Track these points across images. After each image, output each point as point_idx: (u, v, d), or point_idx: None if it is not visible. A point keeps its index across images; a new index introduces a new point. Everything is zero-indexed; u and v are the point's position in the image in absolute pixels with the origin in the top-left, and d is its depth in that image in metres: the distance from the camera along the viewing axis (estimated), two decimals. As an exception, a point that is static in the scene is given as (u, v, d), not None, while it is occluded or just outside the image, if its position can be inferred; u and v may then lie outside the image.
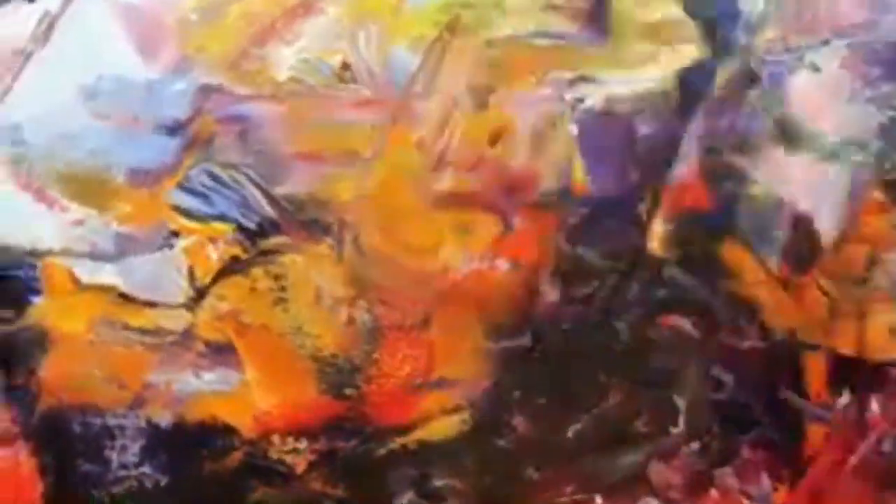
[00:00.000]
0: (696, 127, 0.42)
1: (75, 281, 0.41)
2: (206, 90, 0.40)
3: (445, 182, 0.41)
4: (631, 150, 0.41)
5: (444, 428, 0.41)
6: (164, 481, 0.39)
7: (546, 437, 0.41)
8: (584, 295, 0.42)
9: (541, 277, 0.42)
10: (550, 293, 0.42)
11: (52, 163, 0.40)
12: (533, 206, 0.42)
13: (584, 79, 0.41)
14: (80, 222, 0.40)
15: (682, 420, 0.41)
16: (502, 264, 0.41)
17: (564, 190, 0.41)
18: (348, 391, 0.41)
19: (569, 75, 0.41)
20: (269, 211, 0.41)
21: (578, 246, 0.42)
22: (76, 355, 0.40)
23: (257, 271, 0.41)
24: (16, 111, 0.40)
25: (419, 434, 0.41)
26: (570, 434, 0.41)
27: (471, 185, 0.42)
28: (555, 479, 0.41)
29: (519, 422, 0.41)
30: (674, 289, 0.42)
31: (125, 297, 0.41)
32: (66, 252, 0.41)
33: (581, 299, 0.42)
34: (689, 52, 0.42)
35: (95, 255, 0.41)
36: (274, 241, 0.41)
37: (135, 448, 0.39)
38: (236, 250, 0.41)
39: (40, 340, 0.40)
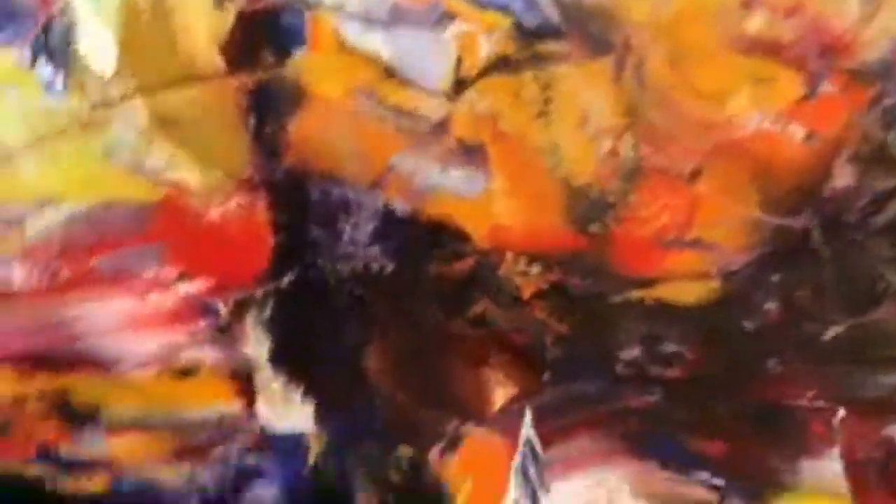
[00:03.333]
0: None
1: (341, 41, 0.49)
2: None
3: (754, 24, 0.47)
4: None
5: (687, 292, 0.48)
6: (389, 268, 0.48)
7: (799, 332, 0.48)
8: (882, 188, 0.47)
9: (838, 156, 0.47)
10: (844, 177, 0.47)
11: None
12: (848, 74, 0.47)
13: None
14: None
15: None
16: (797, 131, 0.47)
17: (889, 65, 0.45)
18: (594, 227, 0.48)
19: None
20: (553, 13, 0.48)
21: (890, 131, 0.46)
22: (328, 120, 0.49)
23: (526, 76, 0.49)
24: None
25: (659, 292, 0.48)
26: (827, 336, 0.47)
27: (783, 34, 0.47)
28: (797, 378, 0.48)
29: (772, 308, 0.48)
30: None
31: (388, 71, 0.49)
32: (337, 7, 0.49)
33: (877, 192, 0.47)
34: None
35: (367, 20, 0.49)
36: (551, 46, 0.49)
37: (368, 228, 0.49)
38: (509, 49, 0.49)
39: (296, 96, 0.50)
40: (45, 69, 0.54)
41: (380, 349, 0.53)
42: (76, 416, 0.51)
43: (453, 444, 0.52)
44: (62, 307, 0.52)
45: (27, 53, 0.54)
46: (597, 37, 0.53)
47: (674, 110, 0.53)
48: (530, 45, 0.53)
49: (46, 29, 0.53)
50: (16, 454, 0.51)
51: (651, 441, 0.52)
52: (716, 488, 0.52)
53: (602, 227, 0.53)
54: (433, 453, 0.52)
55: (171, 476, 0.51)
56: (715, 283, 0.53)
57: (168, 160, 0.53)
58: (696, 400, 0.53)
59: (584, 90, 0.53)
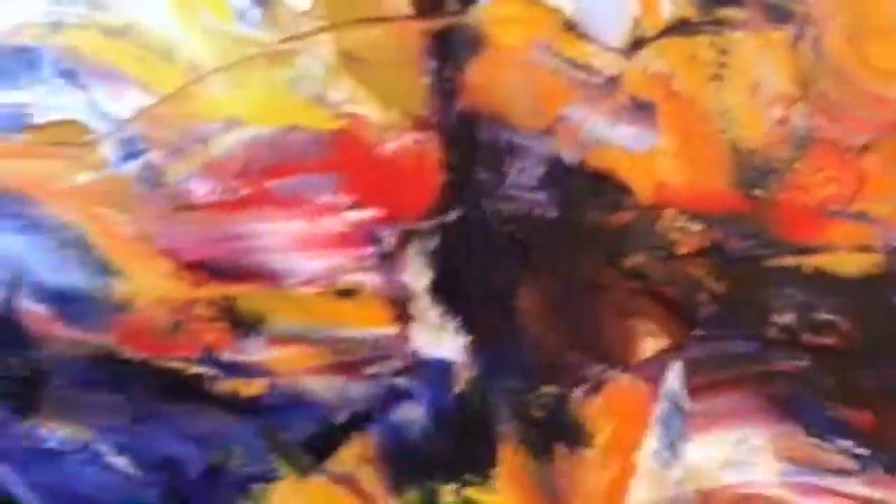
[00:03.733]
0: None
1: None
2: None
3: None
4: None
5: (848, 263, 0.50)
6: (551, 214, 0.52)
7: (958, 311, 0.49)
8: None
9: None
10: None
11: None
12: None
13: None
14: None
15: None
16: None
17: None
18: (758, 192, 0.51)
19: None
20: (735, -21, 0.51)
21: None
22: (505, 68, 0.53)
23: (703, 39, 0.52)
24: None
25: (819, 260, 0.50)
26: None
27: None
28: (951, 358, 0.49)
29: (932, 286, 0.49)
30: None
31: (567, 24, 0.52)
32: None
33: None
34: None
35: None
36: (731, 12, 0.51)
37: (534, 173, 0.52)
38: (689, 11, 0.52)
39: (475, 42, 0.54)
40: (241, 1, 0.59)
41: (533, 291, 0.56)
42: (241, 324, 0.56)
43: (597, 387, 0.55)
44: (237, 223, 0.57)
45: (226, -17, 0.59)
46: (776, 6, 0.55)
47: (849, 84, 0.55)
48: (710, 9, 0.56)
49: (246, -38, 0.59)
50: (182, 352, 0.56)
51: (797, 406, 0.54)
52: (858, 457, 0.54)
53: (766, 191, 0.56)
54: (576, 394, 0.55)
55: (324, 388, 0.55)
56: (877, 258, 0.55)
57: (349, 94, 0.58)
58: (845, 370, 0.54)
59: (759, 57, 0.56)
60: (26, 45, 0.60)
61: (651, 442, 0.55)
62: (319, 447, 0.56)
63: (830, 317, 0.56)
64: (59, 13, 0.60)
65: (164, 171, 0.59)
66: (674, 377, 0.55)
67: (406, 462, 0.56)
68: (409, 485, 0.56)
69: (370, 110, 0.58)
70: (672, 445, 0.55)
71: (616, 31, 0.59)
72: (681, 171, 0.58)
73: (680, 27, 0.58)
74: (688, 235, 0.57)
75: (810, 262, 0.56)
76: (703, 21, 0.58)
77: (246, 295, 0.57)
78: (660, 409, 0.55)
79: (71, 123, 0.59)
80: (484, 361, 0.56)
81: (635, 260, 0.58)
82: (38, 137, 0.59)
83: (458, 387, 0.56)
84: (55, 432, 0.57)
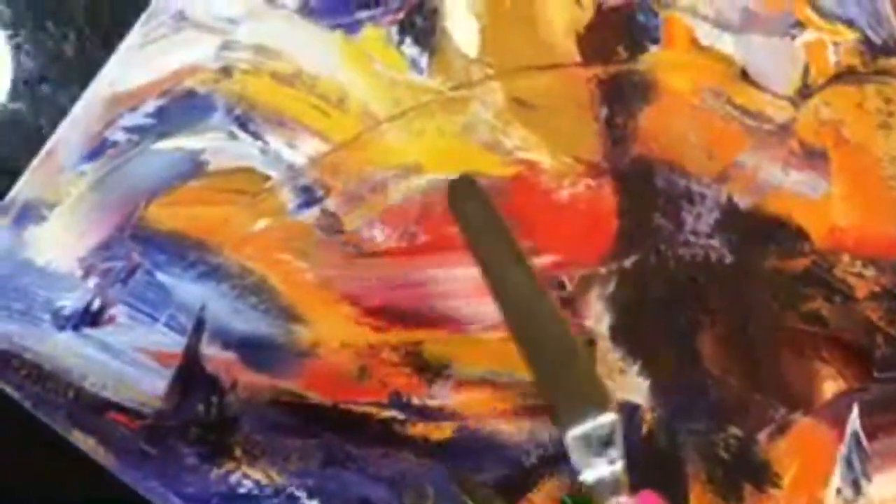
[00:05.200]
0: None
1: (695, 41, 0.61)
2: None
3: None
4: None
5: None
6: (728, 259, 0.60)
7: None
8: None
9: None
10: None
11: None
12: None
13: None
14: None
15: None
16: None
17: None
18: None
19: None
20: (898, 30, 0.59)
21: None
22: (677, 114, 0.61)
23: (869, 88, 0.61)
24: None
25: None
26: None
27: None
28: None
29: None
30: None
31: (737, 72, 0.61)
32: (690, 10, 0.61)
33: None
34: None
35: (719, 23, 0.61)
36: (894, 62, 0.59)
37: (710, 219, 0.60)
38: (855, 60, 0.61)
39: (646, 89, 0.61)
40: (411, 49, 0.67)
41: (713, 334, 0.64)
42: (427, 368, 0.63)
43: (782, 429, 0.63)
44: (418, 269, 0.64)
45: (395, 32, 0.67)
46: (939, 56, 0.64)
47: None
48: (875, 59, 0.65)
49: (414, 10, 0.67)
50: (369, 397, 0.64)
51: (976, 444, 0.63)
52: None
53: (937, 236, 0.64)
54: (762, 435, 0.63)
55: (512, 431, 0.63)
56: None
57: (522, 141, 0.66)
58: None
59: (923, 106, 0.64)
60: (197, 90, 0.67)
61: (835, 481, 0.63)
62: (510, 489, 0.64)
63: None
64: (229, 58, 0.67)
65: (342, 218, 0.66)
66: (854, 418, 0.64)
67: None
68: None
69: (543, 156, 0.66)
70: (856, 483, 0.63)
71: (785, 80, 0.67)
72: (853, 217, 0.66)
73: (847, 76, 0.66)
74: (863, 280, 0.65)
75: (984, 305, 0.64)
76: (869, 70, 0.66)
77: (431, 339, 0.64)
78: (843, 449, 0.64)
79: (246, 170, 0.66)
80: (668, 403, 0.64)
81: (813, 304, 0.66)
82: (214, 184, 0.66)
83: (645, 429, 0.64)
84: (248, 477, 0.64)
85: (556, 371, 0.52)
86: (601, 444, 0.50)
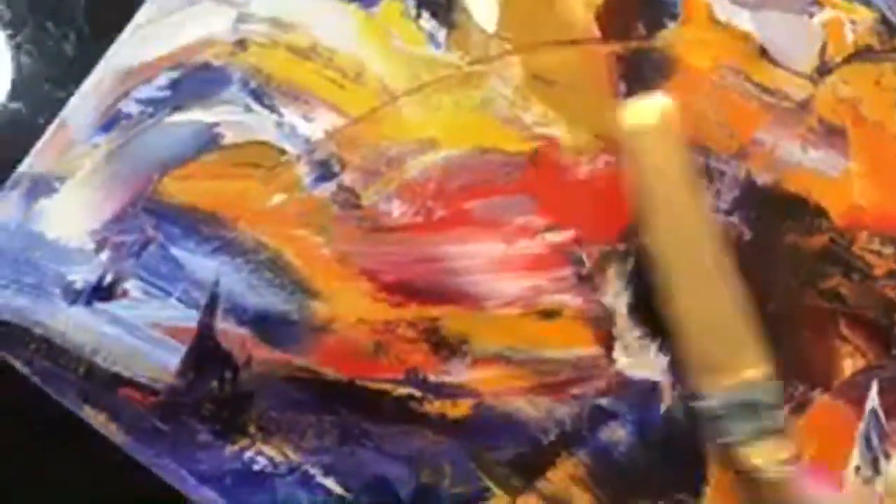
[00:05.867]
0: None
1: (713, 17, 0.61)
2: None
3: None
4: None
5: None
6: (747, 236, 0.59)
7: None
8: None
9: None
10: None
11: None
12: None
13: None
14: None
15: None
16: None
17: None
18: None
19: None
20: (918, 9, 0.59)
21: None
22: (695, 90, 0.61)
23: (886, 66, 0.60)
24: None
25: None
26: None
27: None
28: None
29: None
30: None
31: (756, 49, 0.60)
32: None
33: None
34: None
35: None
36: None
37: (728, 196, 0.60)
38: (873, 39, 0.60)
39: (665, 66, 0.61)
40: (429, 23, 0.66)
41: None
42: (444, 345, 0.62)
43: (800, 407, 0.63)
44: (435, 244, 0.63)
45: (413, 5, 0.66)
46: (956, 35, 0.63)
47: None
48: (892, 37, 0.64)
49: (432, -15, 0.66)
50: (386, 374, 0.63)
51: None
52: None
53: (955, 215, 0.64)
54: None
55: (529, 408, 0.62)
56: None
57: (540, 116, 0.65)
58: None
59: (941, 85, 0.64)
60: (212, 63, 0.66)
61: (854, 459, 0.63)
62: (527, 468, 0.63)
63: None
64: (244, 31, 0.66)
65: (358, 193, 0.65)
66: (873, 397, 0.63)
67: (615, 482, 0.63)
68: (617, 504, 0.62)
69: (562, 132, 0.65)
70: (875, 462, 0.63)
71: (803, 57, 0.66)
72: (872, 195, 0.65)
73: (864, 54, 0.66)
74: (882, 258, 0.65)
75: None
76: (886, 49, 0.66)
77: (448, 316, 0.64)
78: (861, 427, 0.63)
79: (261, 144, 0.65)
80: (687, 381, 0.63)
81: (832, 282, 0.65)
82: (229, 158, 0.65)
83: (664, 406, 0.63)
84: (263, 454, 0.63)
85: (710, 332, 0.51)
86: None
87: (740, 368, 0.52)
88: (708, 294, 0.54)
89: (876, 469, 0.60)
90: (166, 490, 0.61)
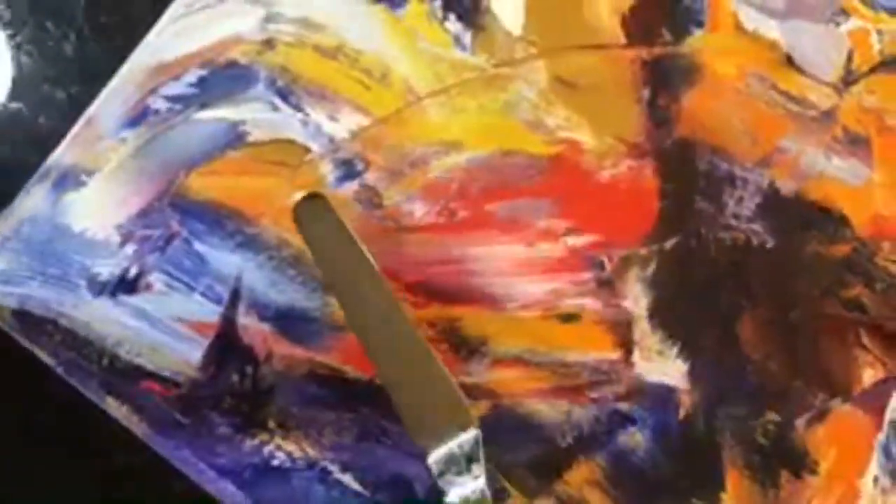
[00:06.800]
0: None
1: (739, 25, 0.60)
2: None
3: None
4: None
5: None
6: (769, 243, 0.59)
7: None
8: None
9: None
10: None
11: None
12: None
13: None
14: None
15: None
16: None
17: None
18: None
19: None
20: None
21: None
22: (721, 97, 0.60)
23: None
24: None
25: None
26: None
27: None
28: None
29: None
30: None
31: (782, 57, 0.60)
32: None
33: None
34: None
35: (763, 8, 0.60)
36: None
37: (751, 203, 0.59)
38: None
39: (691, 72, 0.61)
40: (455, 25, 0.66)
41: (752, 318, 0.63)
42: (464, 345, 0.62)
43: (820, 416, 0.62)
44: (457, 245, 0.63)
45: (439, 7, 0.66)
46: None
47: None
48: None
49: (459, -13, 0.66)
50: None
51: None
52: None
53: (979, 226, 0.63)
54: (800, 422, 0.62)
55: (547, 411, 0.62)
56: None
57: (564, 120, 0.65)
58: None
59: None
60: (239, 61, 0.66)
61: (873, 469, 0.62)
62: (544, 469, 0.63)
63: None
64: (272, 31, 0.66)
65: (381, 193, 0.65)
66: (894, 407, 0.62)
67: (632, 485, 0.62)
68: (633, 508, 0.62)
69: (585, 136, 0.65)
70: (893, 473, 0.62)
71: (829, 66, 0.66)
72: (895, 205, 0.65)
73: (890, 64, 0.66)
74: (905, 268, 0.64)
75: None
76: (918, 61, 0.65)
77: (469, 317, 0.63)
78: (881, 437, 0.63)
79: (287, 142, 0.65)
80: (706, 387, 0.63)
81: (854, 291, 0.65)
82: (255, 155, 0.65)
83: (682, 412, 0.63)
84: (281, 449, 0.63)
85: (414, 393, 0.51)
86: (465, 461, 0.49)
87: (438, 426, 0.52)
88: (397, 358, 0.54)
89: (894, 479, 0.59)
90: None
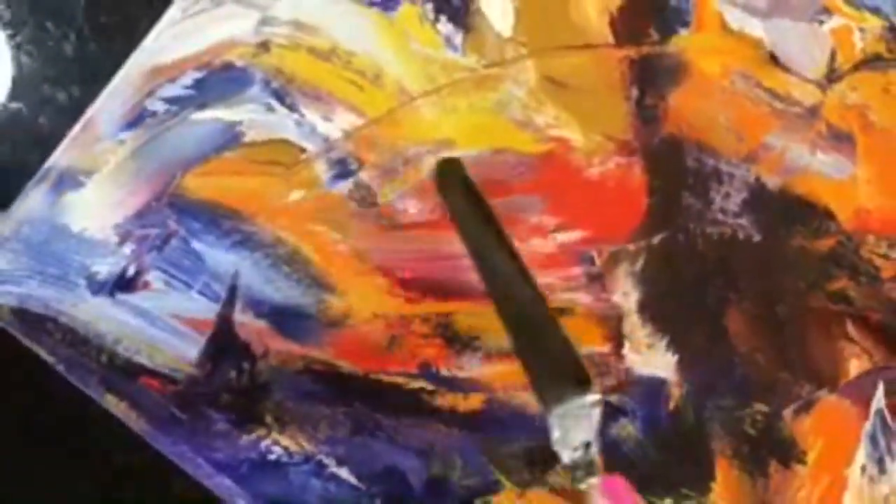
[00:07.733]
0: None
1: (724, 25, 0.61)
2: None
3: None
4: None
5: None
6: (755, 238, 0.60)
7: None
8: None
9: None
10: None
11: None
12: None
13: None
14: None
15: None
16: None
17: None
18: None
19: None
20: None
21: None
22: (706, 95, 0.61)
23: (894, 74, 0.61)
24: None
25: None
26: None
27: None
28: None
29: None
30: None
31: (766, 55, 0.61)
32: None
33: None
34: None
35: (747, 7, 0.61)
36: None
37: (738, 199, 0.60)
38: (880, 48, 0.61)
39: (677, 71, 0.62)
40: (446, 26, 0.67)
41: (740, 311, 0.64)
42: (457, 340, 0.63)
43: (807, 406, 0.63)
44: (450, 242, 0.64)
45: (431, 9, 0.67)
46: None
47: None
48: None
49: (449, -9, 0.67)
50: (399, 367, 0.64)
51: None
52: None
53: (961, 219, 0.64)
54: (788, 412, 0.63)
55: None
56: None
57: (553, 119, 0.66)
58: None
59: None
60: (235, 63, 0.67)
61: (860, 458, 0.63)
62: (538, 461, 0.64)
63: None
64: (267, 33, 0.67)
65: (375, 191, 0.66)
66: (879, 397, 0.63)
67: (623, 475, 0.63)
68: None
69: (575, 134, 0.66)
70: (880, 461, 0.63)
71: (813, 64, 0.67)
72: (879, 199, 0.66)
73: (872, 62, 0.67)
74: (889, 261, 0.65)
75: None
76: (894, 56, 0.66)
77: (462, 312, 0.64)
78: (867, 427, 0.63)
79: (282, 142, 0.66)
80: (695, 379, 0.63)
81: (839, 284, 0.66)
82: (251, 155, 0.66)
83: (672, 403, 0.64)
84: (278, 444, 0.63)
85: (539, 352, 0.51)
86: (582, 423, 0.49)
87: (561, 385, 0.52)
88: (522, 318, 0.54)
89: (881, 468, 0.60)
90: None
